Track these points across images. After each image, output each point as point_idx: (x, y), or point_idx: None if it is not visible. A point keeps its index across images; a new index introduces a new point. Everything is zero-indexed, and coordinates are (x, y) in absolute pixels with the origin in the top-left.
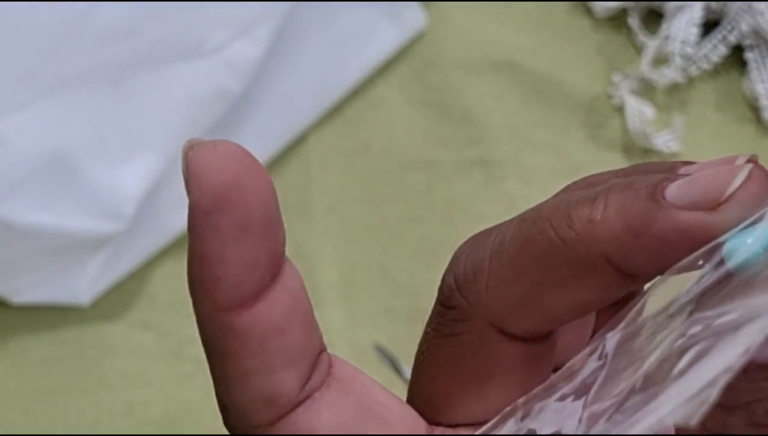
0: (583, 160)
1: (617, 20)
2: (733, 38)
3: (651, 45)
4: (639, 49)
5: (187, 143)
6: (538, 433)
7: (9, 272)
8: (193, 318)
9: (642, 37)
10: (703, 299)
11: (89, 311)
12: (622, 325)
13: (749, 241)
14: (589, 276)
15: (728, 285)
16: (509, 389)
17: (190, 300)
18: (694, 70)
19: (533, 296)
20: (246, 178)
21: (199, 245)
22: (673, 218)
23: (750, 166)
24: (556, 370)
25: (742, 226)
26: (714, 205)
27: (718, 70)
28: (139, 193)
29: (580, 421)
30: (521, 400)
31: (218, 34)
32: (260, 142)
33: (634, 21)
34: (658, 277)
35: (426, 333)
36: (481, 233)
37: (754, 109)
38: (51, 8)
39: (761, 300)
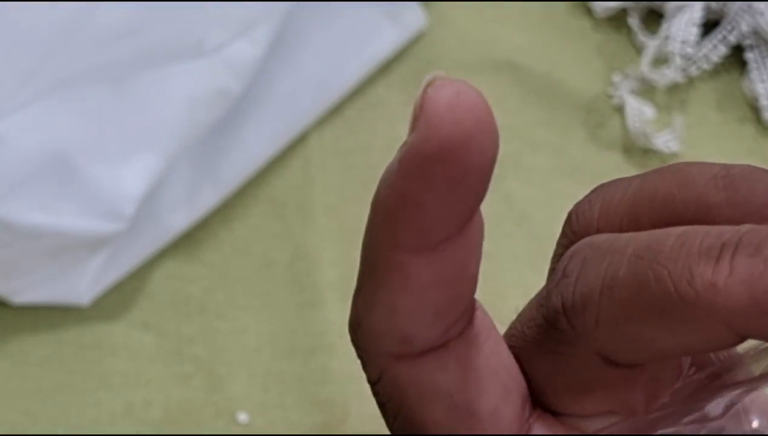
0: (583, 160)
1: (617, 20)
2: (733, 38)
3: (651, 45)
4: (639, 49)
5: (430, 77)
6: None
7: (9, 272)
8: (193, 318)
9: (642, 37)
10: None
11: (89, 311)
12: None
13: None
14: (705, 333)
15: None
16: (607, 401)
17: (190, 300)
18: (694, 70)
19: (644, 338)
20: (477, 139)
21: (403, 181)
22: None
23: None
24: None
25: None
26: None
27: (718, 70)
28: (139, 193)
29: None
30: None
31: (218, 34)
32: (260, 142)
33: (634, 21)
34: None
35: (521, 334)
36: (592, 248)
37: (754, 109)
38: (51, 8)
39: None
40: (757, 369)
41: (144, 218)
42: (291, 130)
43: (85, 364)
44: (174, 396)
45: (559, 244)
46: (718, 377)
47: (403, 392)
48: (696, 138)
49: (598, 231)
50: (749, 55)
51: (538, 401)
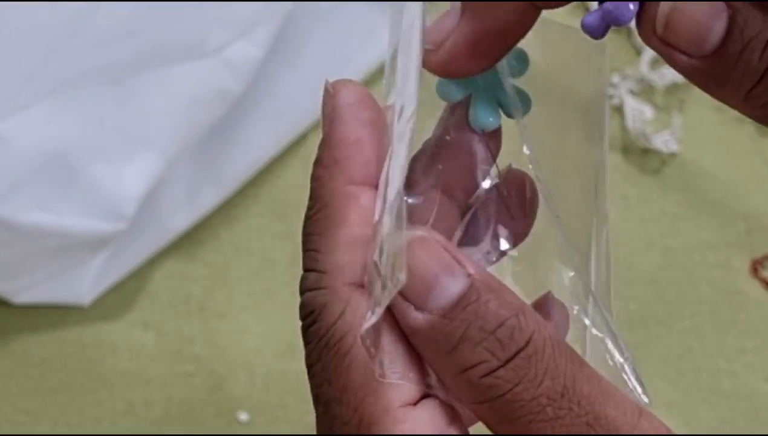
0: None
1: None
2: None
3: None
4: (638, 50)
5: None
6: None
7: (10, 272)
8: (194, 318)
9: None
10: None
11: (90, 311)
12: None
13: None
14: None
15: None
16: None
17: (190, 300)
18: None
19: None
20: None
21: (339, 129)
22: None
23: None
24: None
25: None
26: None
27: None
28: (139, 194)
29: None
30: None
31: (219, 34)
32: (260, 142)
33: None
34: None
35: None
36: None
37: None
38: (51, 9)
39: None
40: None
41: (145, 218)
42: (291, 130)
43: (86, 363)
44: (174, 395)
45: None
46: None
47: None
48: (695, 138)
49: None
50: None
51: None
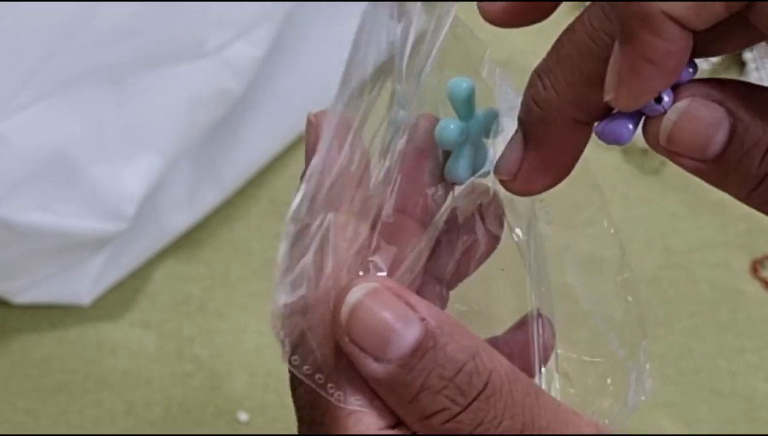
0: (582, 160)
1: None
2: None
3: None
4: None
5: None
6: None
7: (10, 272)
8: (194, 318)
9: None
10: None
11: (90, 311)
12: None
13: None
14: None
15: None
16: None
17: (190, 300)
18: None
19: None
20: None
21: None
22: None
23: None
24: None
25: None
26: None
27: (717, 70)
28: (139, 194)
29: None
30: None
31: (219, 34)
32: (260, 142)
33: None
34: None
35: None
36: None
37: None
38: (51, 9)
39: None
40: None
41: (145, 218)
42: (291, 130)
43: (85, 363)
44: (174, 395)
45: None
46: None
47: None
48: None
49: None
50: (748, 55)
51: None
